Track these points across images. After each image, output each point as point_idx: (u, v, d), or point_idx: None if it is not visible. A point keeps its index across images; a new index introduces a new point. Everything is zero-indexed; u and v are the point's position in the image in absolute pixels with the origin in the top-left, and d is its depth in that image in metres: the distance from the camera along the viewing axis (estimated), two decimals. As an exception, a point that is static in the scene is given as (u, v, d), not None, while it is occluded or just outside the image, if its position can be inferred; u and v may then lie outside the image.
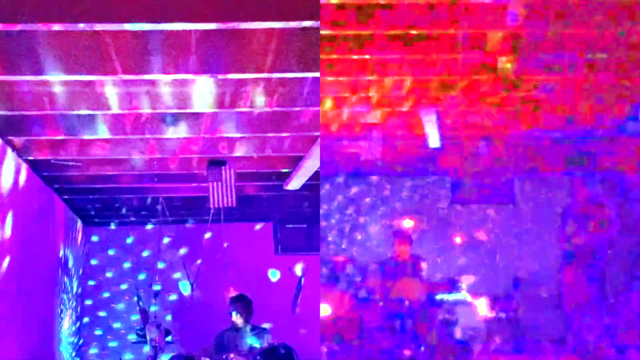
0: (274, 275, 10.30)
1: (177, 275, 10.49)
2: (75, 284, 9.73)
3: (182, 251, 10.69)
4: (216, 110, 5.03)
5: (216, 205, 6.79)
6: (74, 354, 9.72)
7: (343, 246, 9.09)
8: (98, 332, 10.72)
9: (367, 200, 9.45)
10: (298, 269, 9.20)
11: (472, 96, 5.67)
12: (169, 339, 8.30)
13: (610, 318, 7.63)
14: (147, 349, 8.02)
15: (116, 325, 10.75)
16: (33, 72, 3.97)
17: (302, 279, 9.21)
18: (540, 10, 4.08)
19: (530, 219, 9.06)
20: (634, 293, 7.92)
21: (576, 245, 7.01)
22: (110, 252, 10.84)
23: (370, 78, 5.16)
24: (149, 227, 10.62)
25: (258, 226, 10.92)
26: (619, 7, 4.07)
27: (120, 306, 10.79)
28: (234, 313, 7.44)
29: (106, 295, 10.78)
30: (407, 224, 8.47)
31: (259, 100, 4.82)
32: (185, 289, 9.83)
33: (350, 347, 7.25)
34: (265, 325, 8.07)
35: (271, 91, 4.77)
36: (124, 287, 10.75)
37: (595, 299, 7.04)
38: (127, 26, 3.41)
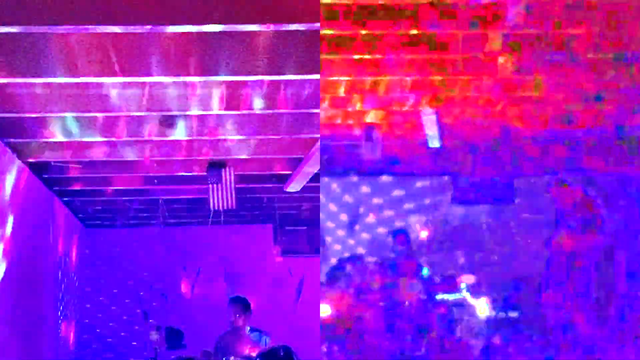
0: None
1: (177, 277, 10.50)
2: (75, 287, 9.73)
3: (183, 253, 10.68)
4: (216, 112, 5.03)
5: (216, 207, 6.79)
6: (74, 357, 9.71)
7: (343, 247, 9.09)
8: (99, 334, 10.72)
9: (367, 201, 9.45)
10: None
11: (472, 96, 5.67)
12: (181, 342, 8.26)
13: (603, 318, 7.64)
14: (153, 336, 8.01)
15: (117, 328, 10.74)
16: (33, 74, 3.98)
17: (303, 280, 9.21)
18: (540, 10, 4.09)
19: (530, 219, 9.07)
20: (626, 294, 7.93)
21: (568, 247, 7.01)
22: (111, 255, 10.83)
23: (370, 78, 5.16)
24: (149, 229, 10.62)
25: (258, 228, 10.91)
26: (619, 7, 4.08)
27: (121, 308, 10.78)
28: (232, 313, 7.50)
29: (107, 297, 10.77)
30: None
31: (259, 101, 4.82)
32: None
33: (350, 347, 7.25)
34: (265, 328, 8.07)
35: (271, 92, 4.78)
36: (124, 289, 10.75)
37: (589, 300, 7.05)
38: (128, 28, 3.41)
